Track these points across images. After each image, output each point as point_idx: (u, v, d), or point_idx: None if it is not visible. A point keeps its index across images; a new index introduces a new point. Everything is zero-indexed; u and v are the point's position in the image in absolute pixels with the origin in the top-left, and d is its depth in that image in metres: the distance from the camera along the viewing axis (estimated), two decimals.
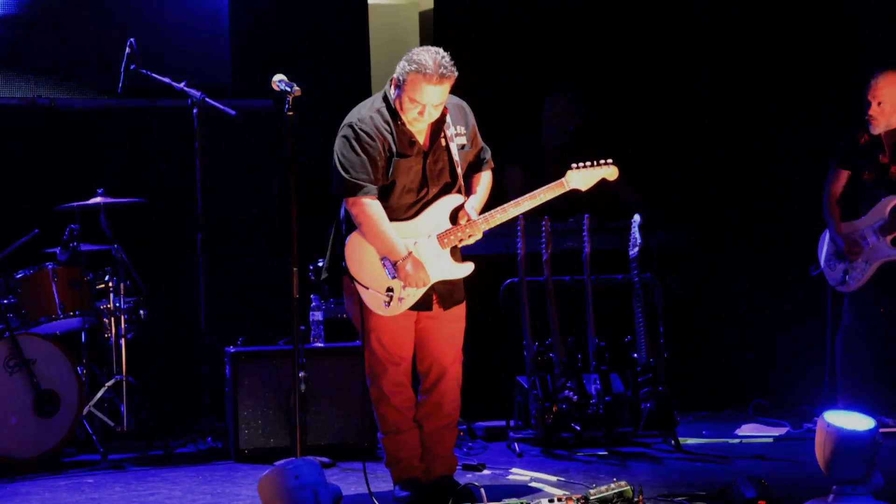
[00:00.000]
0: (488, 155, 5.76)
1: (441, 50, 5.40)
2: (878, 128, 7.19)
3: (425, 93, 5.34)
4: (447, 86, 5.38)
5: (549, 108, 8.04)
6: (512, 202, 5.58)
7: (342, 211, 5.54)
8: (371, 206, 5.39)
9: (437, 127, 5.53)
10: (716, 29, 8.67)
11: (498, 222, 5.58)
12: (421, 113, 5.39)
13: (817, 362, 7.49)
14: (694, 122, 8.74)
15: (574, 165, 5.65)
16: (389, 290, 5.46)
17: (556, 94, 8.07)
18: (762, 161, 8.50)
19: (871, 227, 7.17)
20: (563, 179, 5.65)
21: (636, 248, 6.95)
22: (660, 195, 8.32)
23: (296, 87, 5.55)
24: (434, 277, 5.53)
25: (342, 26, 8.52)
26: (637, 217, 6.95)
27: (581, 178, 5.64)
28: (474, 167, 5.72)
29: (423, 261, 5.45)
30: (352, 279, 5.48)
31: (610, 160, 5.68)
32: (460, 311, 5.68)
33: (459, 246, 5.60)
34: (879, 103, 7.16)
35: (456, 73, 5.38)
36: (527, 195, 5.60)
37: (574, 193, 5.73)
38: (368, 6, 8.78)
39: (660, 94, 8.78)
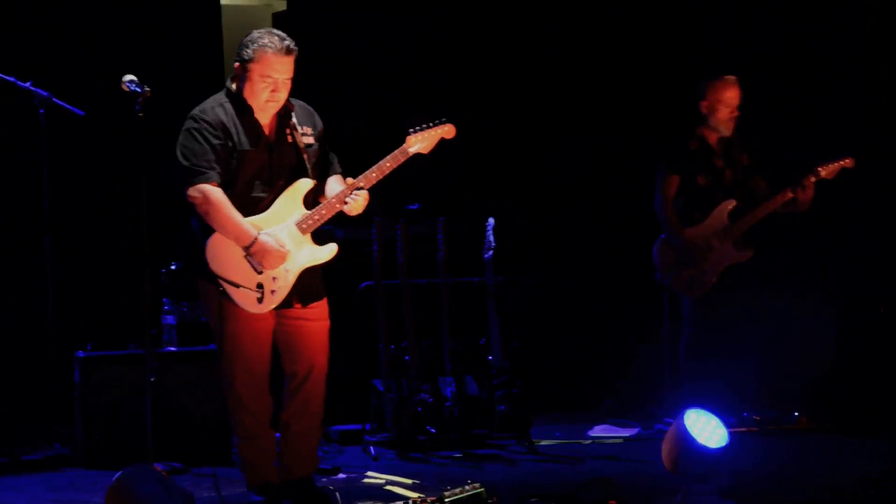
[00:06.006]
0: (335, 160, 5.76)
1: (278, 31, 5.51)
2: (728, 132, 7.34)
3: (276, 66, 5.41)
4: (293, 59, 5.47)
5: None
6: (361, 176, 5.52)
7: (194, 221, 5.47)
8: (213, 193, 5.36)
9: (283, 121, 5.55)
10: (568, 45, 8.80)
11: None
12: (274, 90, 5.44)
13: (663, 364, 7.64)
14: (539, 130, 8.82)
15: (412, 129, 5.65)
16: (259, 285, 5.40)
17: None
18: (608, 165, 8.64)
19: (713, 233, 7.31)
20: (405, 146, 5.60)
21: (490, 251, 6.99)
22: (514, 196, 8.41)
23: (146, 88, 5.48)
24: (300, 264, 5.49)
25: (194, 26, 8.40)
26: (491, 220, 7.00)
27: (421, 140, 5.62)
28: (324, 173, 5.70)
29: (285, 248, 5.40)
30: (219, 280, 5.37)
31: (444, 118, 5.68)
32: (323, 309, 5.64)
33: (317, 227, 5.55)
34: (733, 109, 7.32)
35: (297, 49, 5.48)
36: (374, 167, 5.54)
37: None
38: (221, 7, 8.68)
39: (511, 101, 8.85)
